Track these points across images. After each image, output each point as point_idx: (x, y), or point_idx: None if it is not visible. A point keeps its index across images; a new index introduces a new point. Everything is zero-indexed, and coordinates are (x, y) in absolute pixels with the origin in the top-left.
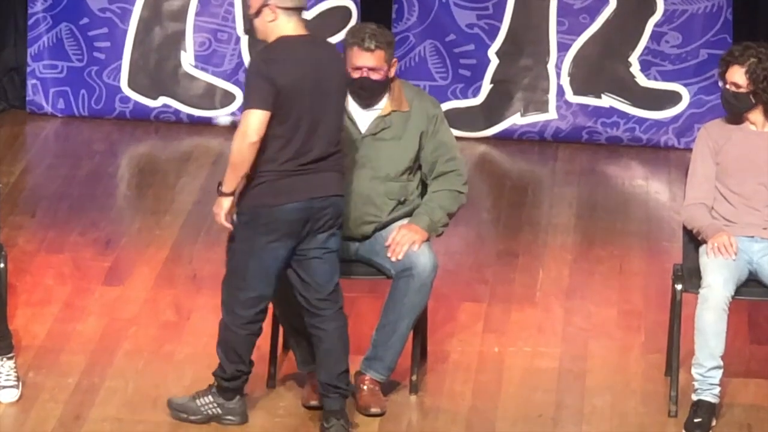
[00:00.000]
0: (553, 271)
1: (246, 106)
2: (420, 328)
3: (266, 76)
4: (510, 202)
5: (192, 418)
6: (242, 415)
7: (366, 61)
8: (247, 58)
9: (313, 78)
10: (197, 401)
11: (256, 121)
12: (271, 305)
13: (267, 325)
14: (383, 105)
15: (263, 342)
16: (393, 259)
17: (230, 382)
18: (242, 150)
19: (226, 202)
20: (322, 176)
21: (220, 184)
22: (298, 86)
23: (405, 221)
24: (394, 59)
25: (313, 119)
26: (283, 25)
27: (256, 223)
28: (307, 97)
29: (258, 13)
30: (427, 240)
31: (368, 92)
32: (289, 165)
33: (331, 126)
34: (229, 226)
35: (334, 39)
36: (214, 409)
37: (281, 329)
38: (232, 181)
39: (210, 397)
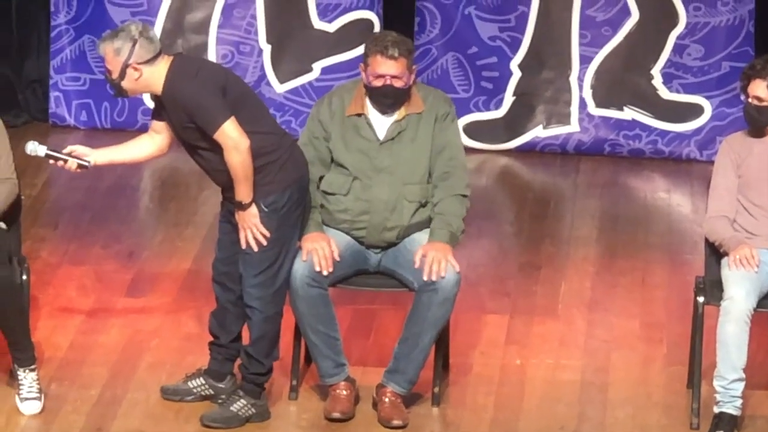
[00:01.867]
0: (576, 283)
1: (216, 123)
2: (442, 341)
3: (209, 90)
4: (532, 215)
5: (234, 425)
6: (268, 412)
7: (389, 69)
8: (270, 70)
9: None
10: (232, 408)
11: (234, 129)
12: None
13: (289, 336)
14: (399, 110)
15: (285, 354)
16: (434, 278)
17: (266, 375)
18: (244, 160)
19: (255, 209)
20: None
21: (239, 203)
22: (224, 76)
23: (426, 232)
24: (414, 66)
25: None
26: (153, 72)
27: (289, 203)
28: (234, 78)
29: (123, 75)
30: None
31: (392, 99)
32: (282, 132)
33: None
34: (266, 232)
35: (357, 51)
36: (250, 410)
37: (303, 342)
38: (249, 190)
39: (243, 400)
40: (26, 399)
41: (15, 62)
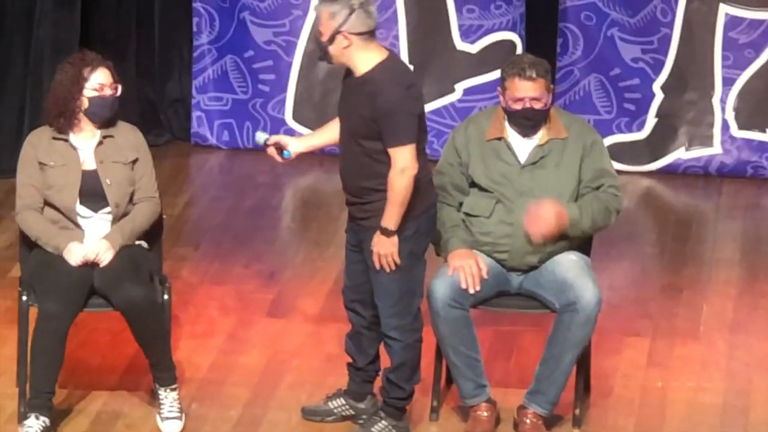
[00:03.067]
0: (717, 305)
1: (400, 141)
2: (583, 362)
3: (412, 110)
4: (674, 237)
5: None
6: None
7: (528, 91)
8: None
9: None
10: (373, 429)
11: (412, 154)
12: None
13: (430, 357)
14: (541, 134)
15: (426, 374)
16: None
17: (407, 399)
18: (407, 186)
19: (396, 239)
20: None
21: (384, 228)
22: (422, 103)
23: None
24: (552, 86)
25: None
26: (364, 50)
27: (420, 231)
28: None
29: (331, 40)
30: (563, 232)
31: (533, 122)
32: (425, 171)
33: None
34: (399, 261)
35: (499, 73)
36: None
37: (444, 362)
38: (399, 218)
39: (384, 422)
40: (167, 418)
41: (157, 82)
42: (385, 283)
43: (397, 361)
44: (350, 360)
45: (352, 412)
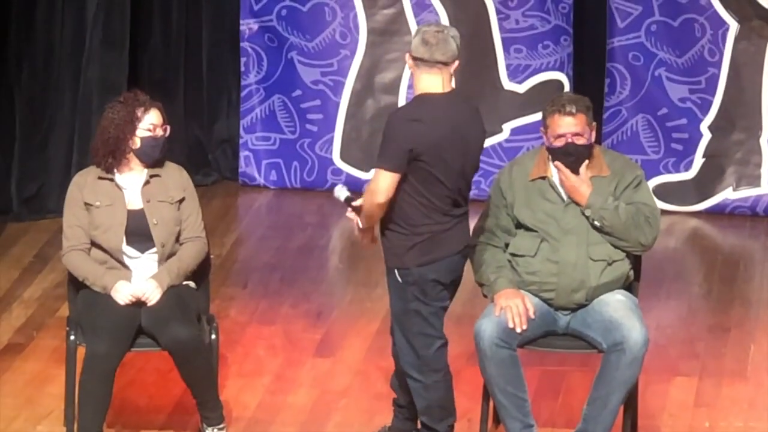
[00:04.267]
0: (765, 345)
1: (379, 164)
2: (630, 402)
3: (401, 141)
4: (721, 277)
5: None
6: None
7: (569, 126)
8: None
9: (451, 138)
10: None
11: (386, 182)
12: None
13: (477, 396)
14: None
15: (474, 414)
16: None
17: None
18: (372, 206)
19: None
20: (466, 226)
21: (350, 198)
22: (435, 147)
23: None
24: (593, 123)
25: (457, 174)
26: (420, 74)
27: (424, 279)
28: (447, 156)
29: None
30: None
31: (574, 157)
32: (444, 219)
33: (470, 182)
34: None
35: None
36: None
37: (491, 402)
38: (367, 225)
39: None
40: None
41: (205, 122)
42: (395, 324)
43: (422, 403)
44: (395, 396)
45: None
